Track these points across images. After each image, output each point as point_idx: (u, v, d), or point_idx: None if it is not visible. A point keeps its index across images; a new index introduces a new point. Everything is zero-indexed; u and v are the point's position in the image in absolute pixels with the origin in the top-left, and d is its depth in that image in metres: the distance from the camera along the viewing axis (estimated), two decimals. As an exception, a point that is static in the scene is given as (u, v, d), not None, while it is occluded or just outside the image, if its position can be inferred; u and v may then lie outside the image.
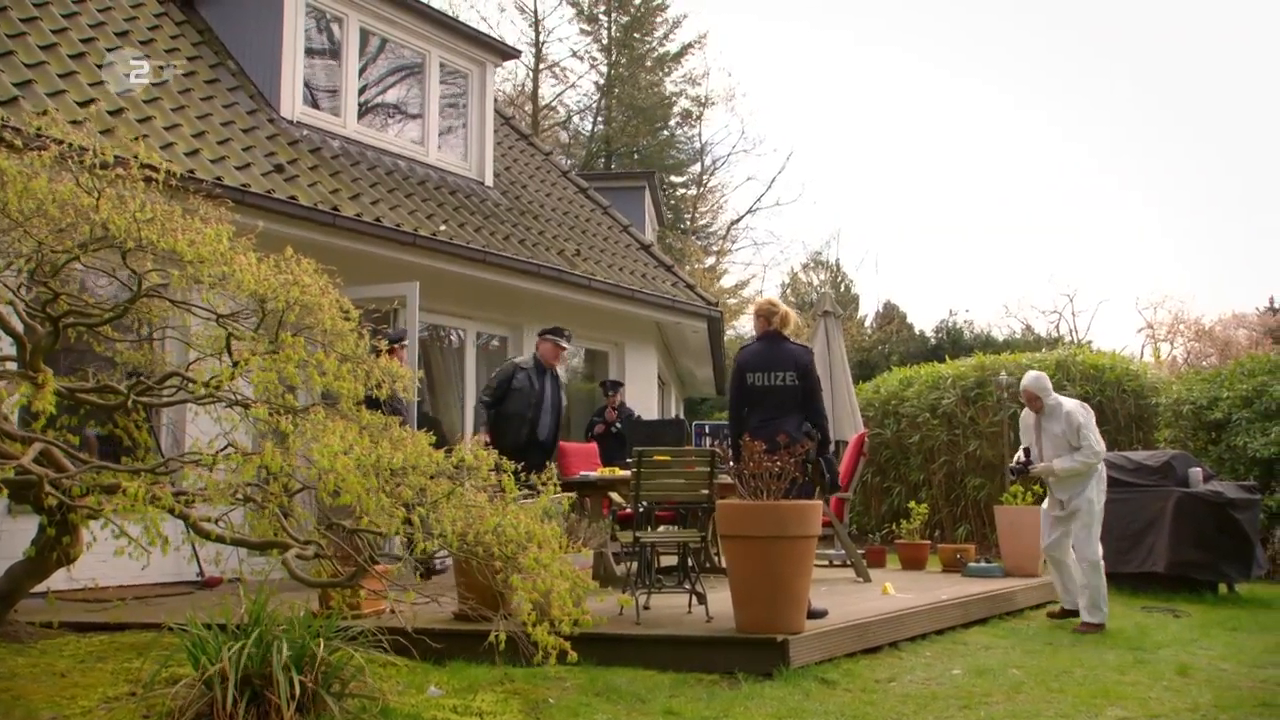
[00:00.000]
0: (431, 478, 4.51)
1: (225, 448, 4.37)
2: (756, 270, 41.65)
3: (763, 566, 5.49)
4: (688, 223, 32.62)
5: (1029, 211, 51.33)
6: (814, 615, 5.93)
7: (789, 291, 34.86)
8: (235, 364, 5.02)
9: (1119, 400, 13.25)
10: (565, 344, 8.44)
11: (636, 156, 32.33)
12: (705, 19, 47.75)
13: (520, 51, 19.20)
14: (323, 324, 4.43)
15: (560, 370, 8.71)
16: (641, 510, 6.16)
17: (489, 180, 11.51)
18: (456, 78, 11.43)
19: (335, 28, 10.20)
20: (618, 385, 10.76)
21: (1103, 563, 7.46)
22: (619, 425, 10.32)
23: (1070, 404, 7.67)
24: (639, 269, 12.40)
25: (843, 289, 35.68)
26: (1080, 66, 52.98)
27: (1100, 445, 7.48)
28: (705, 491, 6.21)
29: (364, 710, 4.21)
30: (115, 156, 4.68)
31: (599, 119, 31.88)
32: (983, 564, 9.14)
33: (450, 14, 11.37)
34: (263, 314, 4.85)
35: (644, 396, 12.75)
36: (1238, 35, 50.59)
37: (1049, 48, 53.25)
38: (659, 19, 32.32)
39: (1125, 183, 51.74)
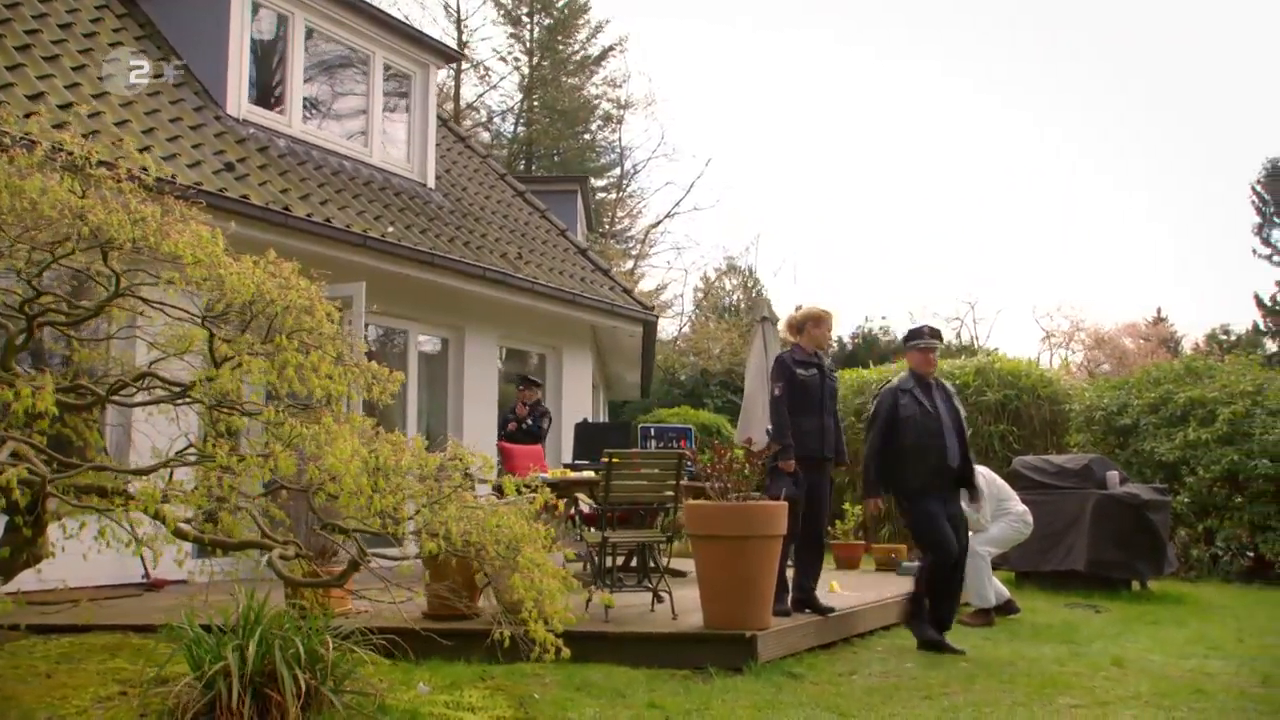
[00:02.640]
0: (421, 479, 4.61)
1: (253, 450, 4.38)
2: (677, 274, 42.02)
3: (731, 565, 5.70)
4: (607, 226, 32.80)
5: (937, 217, 52.72)
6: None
7: (703, 297, 35.28)
8: (218, 364, 5.05)
9: (1034, 405, 13.82)
10: (927, 343, 6.95)
11: (557, 159, 32.42)
12: (626, 23, 48.10)
13: (463, 54, 19.14)
14: (321, 326, 4.49)
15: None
16: (609, 510, 6.33)
17: (431, 182, 11.53)
18: (399, 79, 11.44)
19: (280, 25, 10.13)
20: (534, 384, 10.84)
21: (984, 558, 8.11)
22: (529, 422, 10.48)
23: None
24: (577, 273, 12.54)
25: (755, 294, 36.24)
26: (1005, 73, 54.60)
27: (987, 519, 8.34)
28: (670, 492, 6.40)
29: (361, 707, 4.29)
30: (100, 161, 4.68)
31: (520, 121, 31.89)
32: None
33: (390, 14, 11.32)
34: (249, 316, 4.88)
35: (580, 399, 12.88)
36: (1147, 43, 52.70)
37: (974, 55, 54.74)
38: (581, 22, 32.50)
39: (1027, 194, 53.49)
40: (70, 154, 4.67)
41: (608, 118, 33.00)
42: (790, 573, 6.68)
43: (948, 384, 7.08)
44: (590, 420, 12.98)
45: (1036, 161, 54.82)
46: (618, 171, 33.84)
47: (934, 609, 6.64)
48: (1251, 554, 12.36)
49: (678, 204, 36.01)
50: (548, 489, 4.50)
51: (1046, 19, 52.65)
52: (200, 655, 4.13)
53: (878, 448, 6.76)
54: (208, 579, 8.26)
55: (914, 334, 7.04)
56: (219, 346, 5.02)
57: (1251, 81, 54.62)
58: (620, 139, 33.57)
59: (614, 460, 6.12)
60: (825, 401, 6.80)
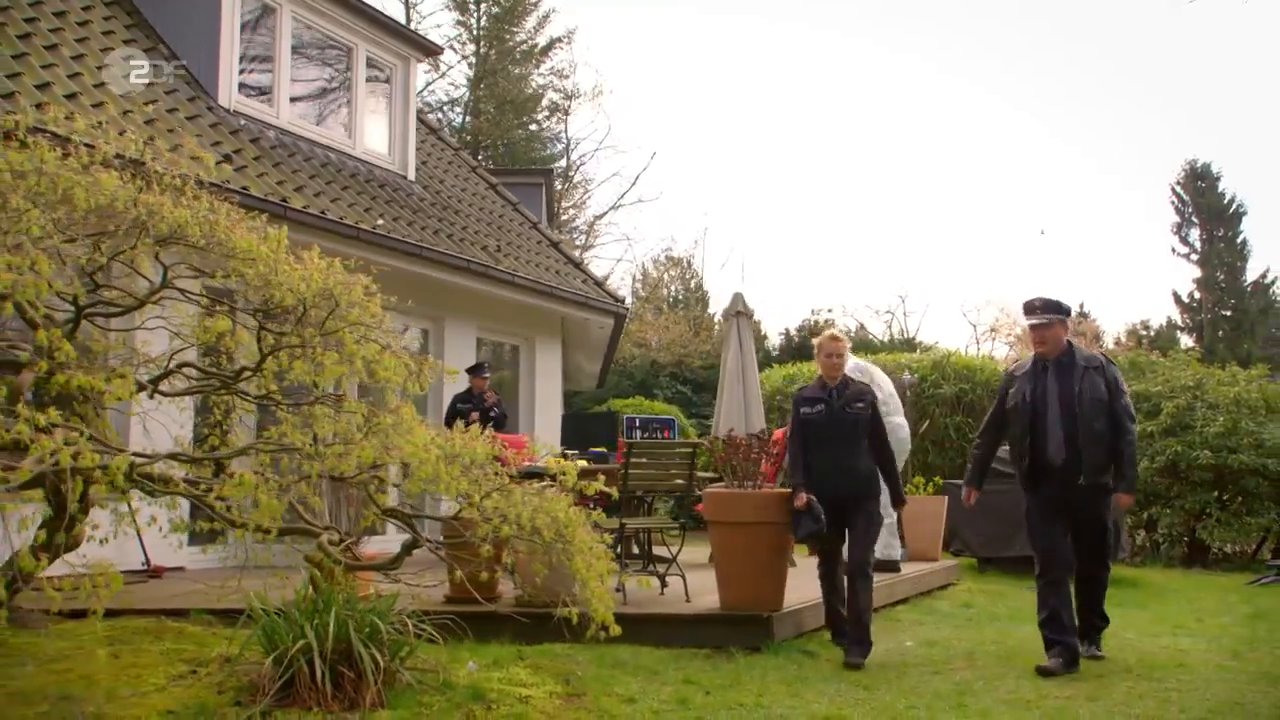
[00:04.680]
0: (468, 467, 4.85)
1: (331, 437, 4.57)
2: (627, 265, 42.36)
3: (748, 549, 6.01)
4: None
5: (874, 210, 53.65)
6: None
7: (640, 286, 35.58)
8: (264, 355, 5.25)
9: (988, 398, 14.36)
10: (1036, 319, 6.00)
11: (502, 149, 32.44)
12: (575, 13, 48.25)
13: (443, 48, 19.16)
14: (385, 321, 4.72)
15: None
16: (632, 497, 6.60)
17: (411, 174, 11.66)
18: (381, 72, 11.54)
19: (268, 17, 10.18)
20: (485, 368, 10.38)
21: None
22: (496, 411, 9.98)
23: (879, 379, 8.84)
24: (550, 265, 12.75)
25: (693, 286, 36.67)
26: (936, 70, 55.63)
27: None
28: (681, 481, 6.69)
29: (427, 683, 4.52)
30: (136, 158, 4.86)
31: (468, 111, 31.85)
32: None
33: (373, 7, 11.39)
34: (303, 310, 5.06)
35: (551, 389, 13.13)
36: (1071, 44, 54.09)
37: (913, 50, 55.70)
38: (529, 11, 32.52)
39: (954, 189, 54.64)
40: (128, 158, 4.86)
41: (554, 108, 33.14)
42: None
43: (1092, 359, 6.00)
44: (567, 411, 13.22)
45: (964, 157, 56.07)
46: (564, 162, 33.97)
47: (1052, 620, 5.87)
48: (1187, 540, 13.09)
49: (623, 196, 36.28)
50: (602, 476, 4.76)
51: (974, 16, 53.84)
52: (277, 635, 4.33)
53: (977, 440, 6.42)
54: (199, 566, 8.40)
55: (1025, 309, 6.10)
56: (266, 338, 5.23)
57: (1173, 85, 56.44)
58: (567, 130, 33.74)
59: (634, 449, 6.39)
60: (836, 438, 6.05)
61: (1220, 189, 41.06)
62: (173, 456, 4.70)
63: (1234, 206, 40.75)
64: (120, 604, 6.17)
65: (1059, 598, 5.87)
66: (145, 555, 8.11)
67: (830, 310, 46.45)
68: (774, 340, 30.10)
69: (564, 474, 4.66)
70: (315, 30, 10.69)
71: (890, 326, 36.10)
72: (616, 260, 46.98)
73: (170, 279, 5.29)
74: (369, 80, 11.34)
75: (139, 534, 7.98)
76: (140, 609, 6.08)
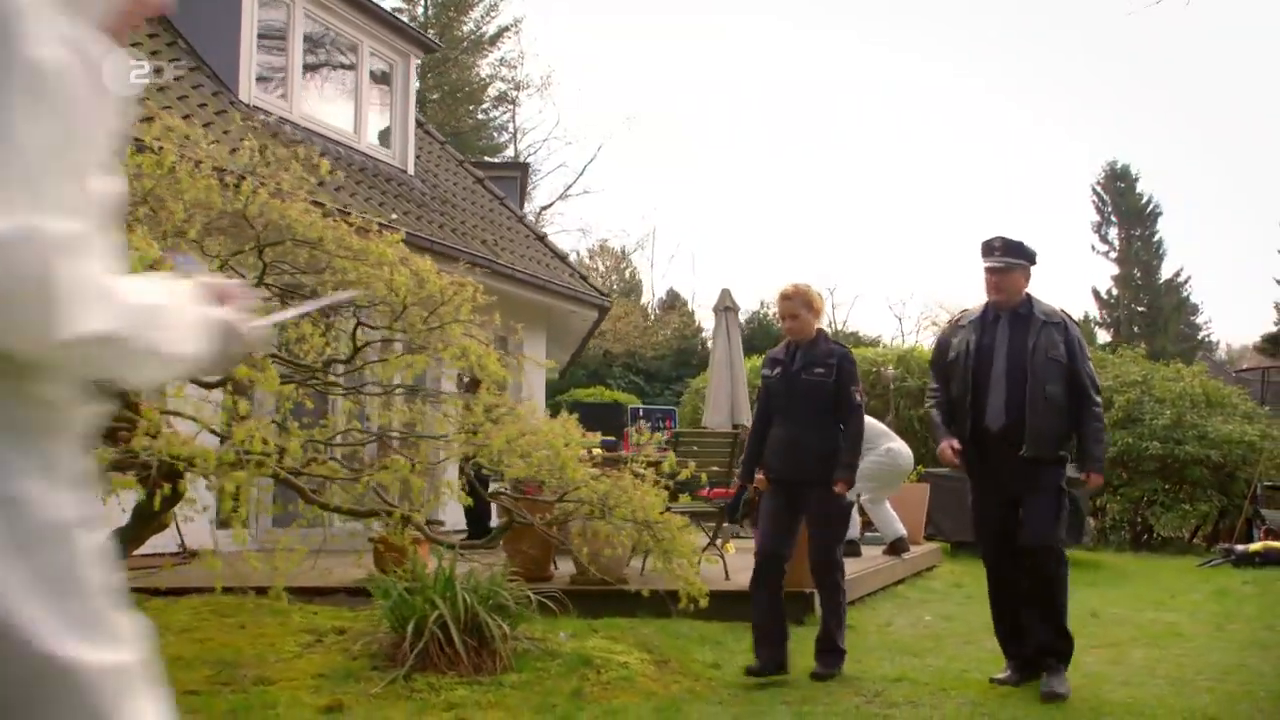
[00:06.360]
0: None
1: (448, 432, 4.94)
2: (574, 257, 42.70)
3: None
4: (499, 206, 33.02)
5: (809, 203, 54.73)
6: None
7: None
8: (358, 349, 5.64)
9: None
10: (992, 263, 5.10)
11: (450, 138, 32.48)
12: (523, 4, 48.58)
13: (440, 46, 19.33)
14: (490, 321, 5.13)
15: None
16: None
17: (411, 169, 11.94)
18: (383, 68, 11.79)
19: (282, 13, 10.39)
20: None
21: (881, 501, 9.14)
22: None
23: None
24: (540, 258, 13.12)
25: (627, 276, 37.22)
26: (872, 61, 56.76)
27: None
28: (718, 468, 7.18)
29: (538, 649, 4.95)
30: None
31: (415, 100, 31.83)
32: (879, 533, 10.52)
33: (378, 4, 11.64)
34: (402, 307, 5.44)
35: (536, 380, 13.49)
36: (1000, 44, 55.60)
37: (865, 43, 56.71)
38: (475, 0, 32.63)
39: (880, 184, 55.97)
40: (236, 173, 5.22)
41: (502, 98, 33.34)
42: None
43: (1053, 314, 5.12)
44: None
45: (893, 152, 57.45)
46: (511, 152, 34.15)
47: (997, 623, 5.28)
48: (1128, 525, 14.04)
49: (569, 187, 36.52)
50: (692, 463, 5.22)
51: (910, 14, 55.12)
52: (406, 608, 4.72)
53: (932, 397, 5.40)
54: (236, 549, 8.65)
55: (983, 249, 5.17)
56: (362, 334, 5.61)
57: (1094, 89, 58.47)
58: (515, 120, 33.95)
59: (680, 438, 6.86)
60: (789, 408, 5.24)
61: (1139, 190, 42.71)
62: (327, 441, 5.04)
63: (1151, 207, 42.47)
64: (180, 583, 6.45)
65: (1006, 599, 5.22)
66: (180, 538, 8.33)
67: (765, 305, 47.34)
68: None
69: (660, 462, 5.11)
70: (325, 27, 10.92)
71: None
72: (569, 250, 47.24)
73: (266, 275, 5.65)
74: (370, 75, 11.59)
75: (176, 519, 8.23)
76: (228, 586, 6.34)
